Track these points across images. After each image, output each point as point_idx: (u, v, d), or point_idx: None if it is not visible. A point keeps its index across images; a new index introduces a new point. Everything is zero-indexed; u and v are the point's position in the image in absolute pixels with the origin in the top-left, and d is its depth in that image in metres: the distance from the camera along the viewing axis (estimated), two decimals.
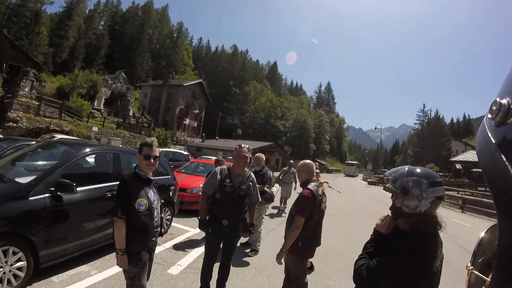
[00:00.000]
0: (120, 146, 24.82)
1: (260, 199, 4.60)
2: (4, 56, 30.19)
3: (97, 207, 4.94)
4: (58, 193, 4.28)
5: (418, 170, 1.84)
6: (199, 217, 4.13)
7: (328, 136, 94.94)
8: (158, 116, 59.21)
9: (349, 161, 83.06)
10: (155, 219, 3.03)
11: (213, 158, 15.27)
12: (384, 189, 2.07)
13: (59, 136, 18.07)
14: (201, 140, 54.33)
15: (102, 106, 41.15)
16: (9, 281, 3.76)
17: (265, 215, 6.88)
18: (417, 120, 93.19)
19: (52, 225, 4.23)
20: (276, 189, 9.02)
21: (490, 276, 0.91)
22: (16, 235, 3.84)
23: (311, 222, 3.53)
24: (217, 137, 58.13)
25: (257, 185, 4.67)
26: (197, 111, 66.06)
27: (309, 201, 3.50)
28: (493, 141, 0.74)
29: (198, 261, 4.17)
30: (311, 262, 4.24)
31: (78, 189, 4.53)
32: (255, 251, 6.47)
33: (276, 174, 12.32)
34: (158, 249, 5.86)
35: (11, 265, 3.76)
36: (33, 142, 7.84)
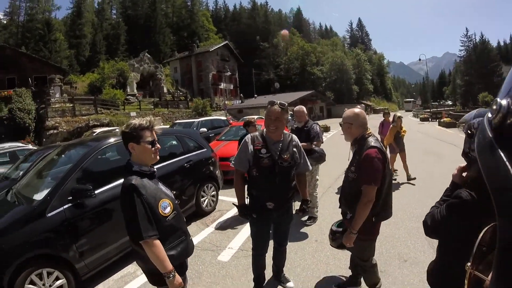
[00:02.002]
0: (161, 124, 24.81)
1: (310, 167, 3.48)
2: (27, 71, 31.31)
3: None
4: (78, 201, 3.91)
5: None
6: (236, 203, 3.32)
7: (370, 75, 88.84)
8: (193, 87, 58.92)
9: (407, 99, 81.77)
10: (182, 214, 2.40)
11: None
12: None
13: (99, 130, 18.52)
14: (240, 101, 53.92)
15: (135, 90, 41.60)
16: None
17: (318, 176, 5.76)
18: (461, 46, 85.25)
19: (81, 235, 3.93)
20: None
21: (490, 276, 0.88)
22: (44, 256, 3.63)
23: (382, 189, 2.74)
24: (255, 95, 57.37)
25: (303, 145, 3.74)
26: (229, 73, 64.51)
27: (380, 163, 2.67)
28: (493, 141, 0.74)
29: (250, 241, 3.49)
30: None
31: (104, 188, 4.26)
32: (313, 218, 5.60)
33: (323, 123, 11.08)
34: (206, 232, 5.53)
35: (50, 285, 3.59)
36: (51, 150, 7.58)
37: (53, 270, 3.63)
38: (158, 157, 2.29)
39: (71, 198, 3.87)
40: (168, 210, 2.18)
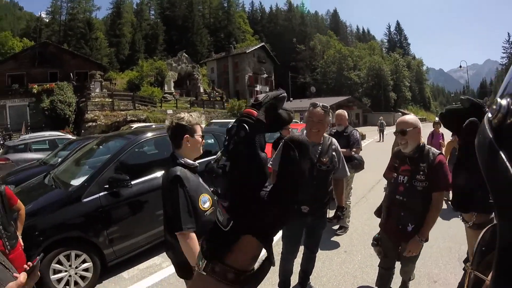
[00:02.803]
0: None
1: (348, 173, 3.41)
2: (69, 67, 32.62)
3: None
4: (114, 189, 4.03)
5: None
6: None
7: (408, 82, 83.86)
8: (229, 88, 59.20)
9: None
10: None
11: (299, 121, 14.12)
12: None
13: (136, 125, 18.94)
14: None
15: (172, 89, 42.41)
16: (76, 283, 3.74)
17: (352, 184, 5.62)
18: (503, 53, 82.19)
19: (113, 223, 4.05)
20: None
21: (490, 276, 0.77)
22: (75, 238, 3.77)
23: None
24: (291, 99, 56.48)
25: (342, 151, 3.63)
26: (266, 75, 64.18)
27: (447, 168, 2.65)
28: (493, 141, 0.64)
29: (280, 245, 3.43)
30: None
31: (139, 179, 4.35)
32: (344, 228, 5.41)
33: (361, 130, 10.62)
34: None
35: (76, 267, 3.72)
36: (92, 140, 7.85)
37: (81, 253, 3.75)
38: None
39: (107, 186, 3.98)
40: (207, 205, 2.18)
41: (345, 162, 3.29)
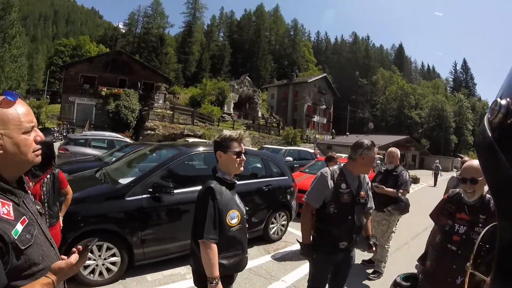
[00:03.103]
0: (250, 145, 25.54)
1: (373, 205, 3.28)
2: (138, 76, 34.80)
3: None
4: (157, 194, 4.22)
5: None
6: (300, 240, 3.02)
7: (471, 125, 76.08)
8: (287, 115, 59.63)
9: None
10: (246, 231, 2.43)
11: (343, 156, 13.58)
12: None
13: (191, 139, 19.51)
14: (331, 137, 52.99)
15: (231, 110, 43.69)
16: (100, 273, 3.90)
17: (395, 228, 5.29)
18: None
19: (149, 226, 4.22)
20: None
21: (490, 276, 0.86)
22: (111, 232, 3.94)
23: None
24: (347, 133, 55.53)
25: (389, 191, 4.00)
26: (324, 106, 63.92)
27: None
28: (493, 141, 0.73)
29: (306, 279, 3.23)
30: None
31: (183, 189, 4.50)
32: (378, 273, 5.02)
33: (413, 173, 9.89)
34: (265, 258, 5.36)
35: (105, 259, 3.89)
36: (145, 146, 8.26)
37: (113, 247, 3.92)
38: (242, 168, 2.38)
39: (151, 190, 4.18)
40: (235, 221, 2.23)
41: (371, 196, 3.21)
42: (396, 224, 5.19)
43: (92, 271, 3.84)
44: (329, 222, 2.86)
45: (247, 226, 2.43)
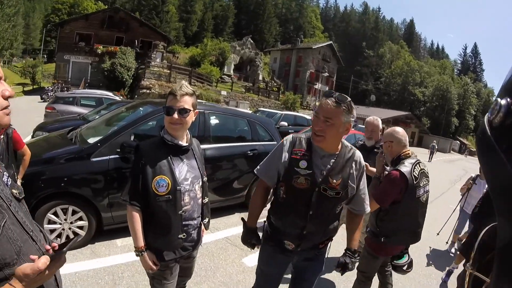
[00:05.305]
0: (248, 109, 25.25)
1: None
2: (135, 34, 34.20)
3: None
4: (126, 155, 3.91)
5: None
6: (245, 220, 2.34)
7: (474, 110, 75.13)
8: (288, 81, 58.68)
9: None
10: (185, 207, 1.98)
11: None
12: None
13: None
14: None
15: (231, 71, 42.85)
16: (67, 237, 3.75)
17: None
18: None
19: (117, 188, 3.93)
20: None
21: (490, 276, 0.91)
22: (76, 195, 3.73)
23: None
24: None
25: (373, 169, 2.97)
26: (327, 74, 62.47)
27: None
28: (493, 141, 0.74)
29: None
30: None
31: None
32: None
33: (413, 150, 8.77)
34: None
35: (71, 223, 3.73)
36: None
37: (79, 210, 3.74)
38: (175, 131, 1.95)
39: (119, 150, 3.89)
40: (162, 190, 1.88)
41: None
42: None
43: (59, 235, 3.69)
44: (276, 211, 2.17)
45: (187, 204, 1.99)
